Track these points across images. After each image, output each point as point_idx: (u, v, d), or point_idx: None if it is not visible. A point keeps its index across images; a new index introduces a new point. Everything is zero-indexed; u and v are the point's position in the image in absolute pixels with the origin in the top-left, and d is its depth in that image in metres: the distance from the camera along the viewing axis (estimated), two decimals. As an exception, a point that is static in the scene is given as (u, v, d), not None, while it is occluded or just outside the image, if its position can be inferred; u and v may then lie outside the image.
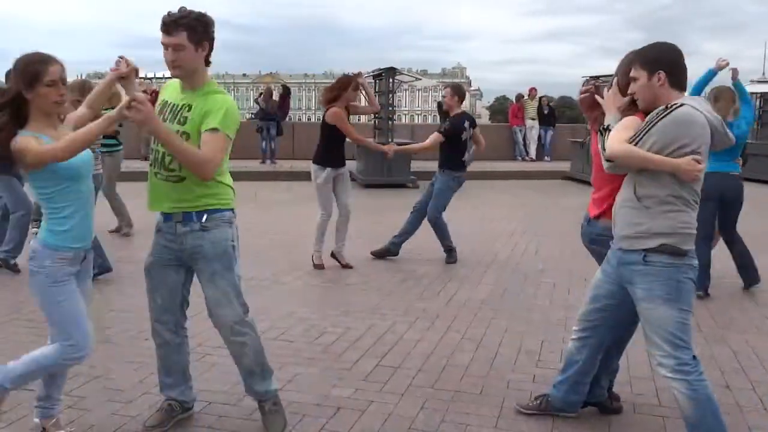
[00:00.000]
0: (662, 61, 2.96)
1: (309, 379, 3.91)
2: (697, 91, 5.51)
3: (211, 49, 3.00)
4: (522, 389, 3.81)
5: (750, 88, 16.31)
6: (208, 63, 3.03)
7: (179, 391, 3.35)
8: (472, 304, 5.44)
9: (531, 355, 4.34)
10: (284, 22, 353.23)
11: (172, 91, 3.10)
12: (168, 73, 3.09)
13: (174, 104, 3.03)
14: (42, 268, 2.81)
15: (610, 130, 2.96)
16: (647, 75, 2.94)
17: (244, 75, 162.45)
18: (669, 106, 2.83)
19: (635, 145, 2.83)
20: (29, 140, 2.70)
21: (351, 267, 6.52)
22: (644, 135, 2.83)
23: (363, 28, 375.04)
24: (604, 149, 2.94)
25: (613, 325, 3.29)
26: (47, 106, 2.77)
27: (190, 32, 2.84)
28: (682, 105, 2.83)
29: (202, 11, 2.93)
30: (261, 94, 16.08)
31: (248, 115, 27.31)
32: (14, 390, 3.01)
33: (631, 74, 3.01)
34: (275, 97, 16.08)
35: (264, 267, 6.49)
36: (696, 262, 2.97)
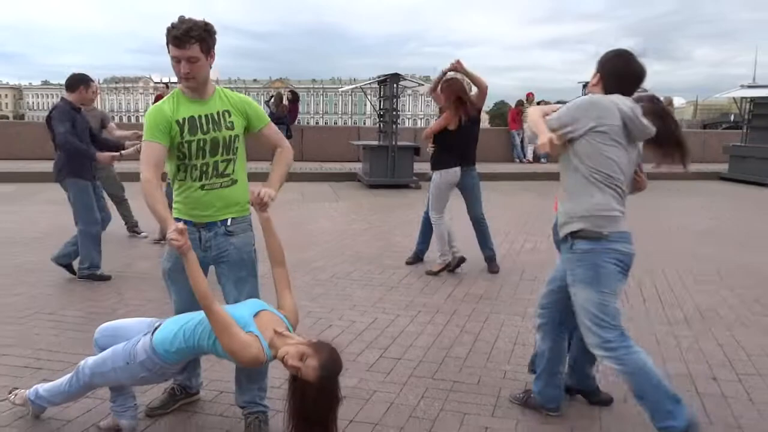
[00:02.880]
0: (603, 65, 3.08)
1: (315, 370, 3.93)
2: None
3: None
4: (517, 379, 3.83)
5: (740, 93, 16.31)
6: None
7: (186, 377, 3.39)
8: (470, 299, 5.46)
9: (527, 348, 4.34)
10: (294, 30, 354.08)
11: (188, 105, 2.94)
12: None
13: (209, 114, 2.94)
14: None
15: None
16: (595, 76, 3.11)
17: (255, 80, 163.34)
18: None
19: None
20: None
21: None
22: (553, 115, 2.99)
23: (369, 35, 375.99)
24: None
25: (564, 307, 3.24)
26: None
27: (202, 44, 2.80)
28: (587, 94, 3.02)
29: (206, 20, 2.87)
30: (272, 98, 16.12)
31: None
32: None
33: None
34: (285, 101, 16.11)
35: (273, 263, 6.51)
36: (624, 246, 2.99)
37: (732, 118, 18.16)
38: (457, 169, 6.14)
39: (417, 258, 6.71)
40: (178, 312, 3.27)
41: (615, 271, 2.97)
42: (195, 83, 2.89)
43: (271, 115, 15.62)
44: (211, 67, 2.97)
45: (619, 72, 3.04)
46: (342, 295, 5.55)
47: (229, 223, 3.02)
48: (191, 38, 2.75)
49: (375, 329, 4.68)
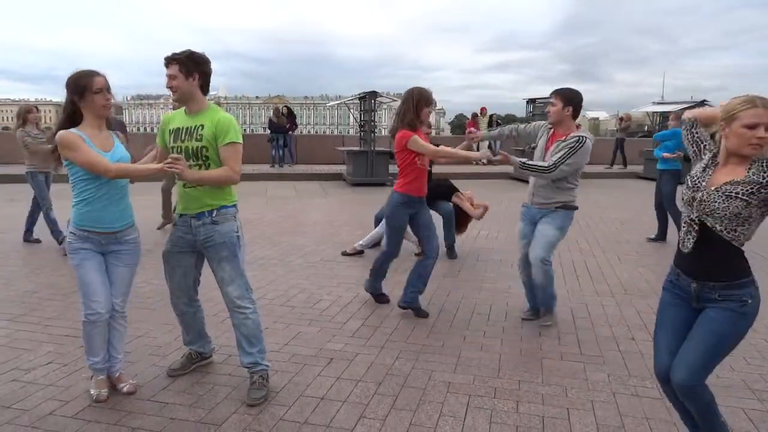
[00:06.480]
0: (574, 100, 3.84)
1: (308, 336, 3.90)
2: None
3: (204, 80, 2.95)
4: (475, 342, 3.83)
5: (652, 108, 16.55)
6: (205, 91, 2.97)
7: (198, 345, 3.36)
8: (435, 278, 5.41)
9: (482, 317, 4.35)
10: (290, 56, 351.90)
11: (180, 118, 3.01)
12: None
13: (187, 127, 2.94)
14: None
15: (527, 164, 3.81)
16: (562, 105, 3.83)
17: (257, 97, 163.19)
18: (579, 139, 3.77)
19: (562, 164, 3.77)
20: (76, 138, 2.78)
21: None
22: (568, 158, 3.74)
23: (352, 60, 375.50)
24: (544, 168, 3.80)
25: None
26: (97, 110, 2.86)
27: (180, 65, 2.88)
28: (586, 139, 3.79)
29: (194, 51, 2.91)
30: (273, 112, 16.06)
31: (260, 129, 27.07)
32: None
33: (552, 100, 3.87)
34: (281, 115, 15.99)
35: (273, 248, 6.46)
36: None
37: (646, 128, 18.40)
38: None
39: (358, 252, 6.33)
40: (171, 289, 3.22)
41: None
42: (178, 95, 2.95)
43: (273, 125, 15.53)
44: (204, 89, 2.97)
45: (580, 105, 3.89)
46: (330, 274, 5.51)
47: (214, 214, 2.98)
48: (172, 60, 2.90)
49: (357, 302, 4.65)
